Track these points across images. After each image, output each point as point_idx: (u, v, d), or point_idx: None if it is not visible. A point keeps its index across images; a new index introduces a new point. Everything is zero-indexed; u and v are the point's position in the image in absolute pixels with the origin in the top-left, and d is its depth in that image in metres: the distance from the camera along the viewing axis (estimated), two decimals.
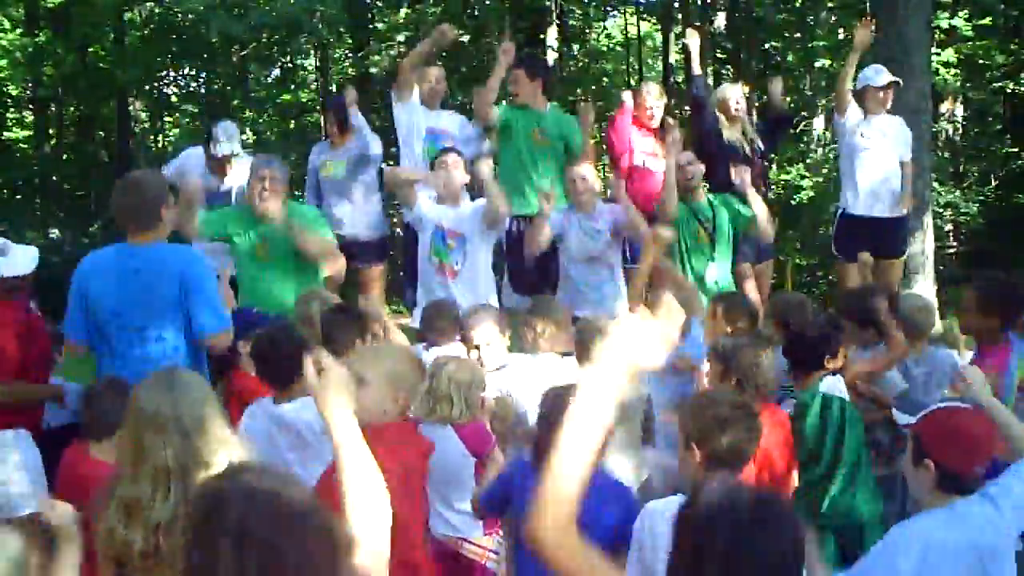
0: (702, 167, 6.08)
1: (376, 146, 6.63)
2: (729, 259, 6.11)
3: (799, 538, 1.85)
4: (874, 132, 6.66)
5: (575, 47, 17.64)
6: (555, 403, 3.01)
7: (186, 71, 18.30)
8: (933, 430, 2.76)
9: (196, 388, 2.56)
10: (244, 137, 14.65)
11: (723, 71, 16.49)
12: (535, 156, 6.43)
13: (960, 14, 13.14)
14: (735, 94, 6.86)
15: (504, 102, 6.86)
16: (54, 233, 14.66)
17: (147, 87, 18.00)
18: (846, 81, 6.73)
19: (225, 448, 2.52)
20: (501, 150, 6.59)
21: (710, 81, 7.31)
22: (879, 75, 6.72)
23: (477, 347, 4.31)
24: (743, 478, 3.01)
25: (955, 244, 14.62)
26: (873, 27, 6.94)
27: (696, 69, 7.11)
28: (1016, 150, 14.36)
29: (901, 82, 6.77)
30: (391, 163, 7.16)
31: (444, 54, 16.74)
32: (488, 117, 6.45)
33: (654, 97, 6.77)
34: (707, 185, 6.26)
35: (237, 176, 6.22)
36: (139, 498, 2.41)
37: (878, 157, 6.64)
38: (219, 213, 5.56)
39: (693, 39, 7.15)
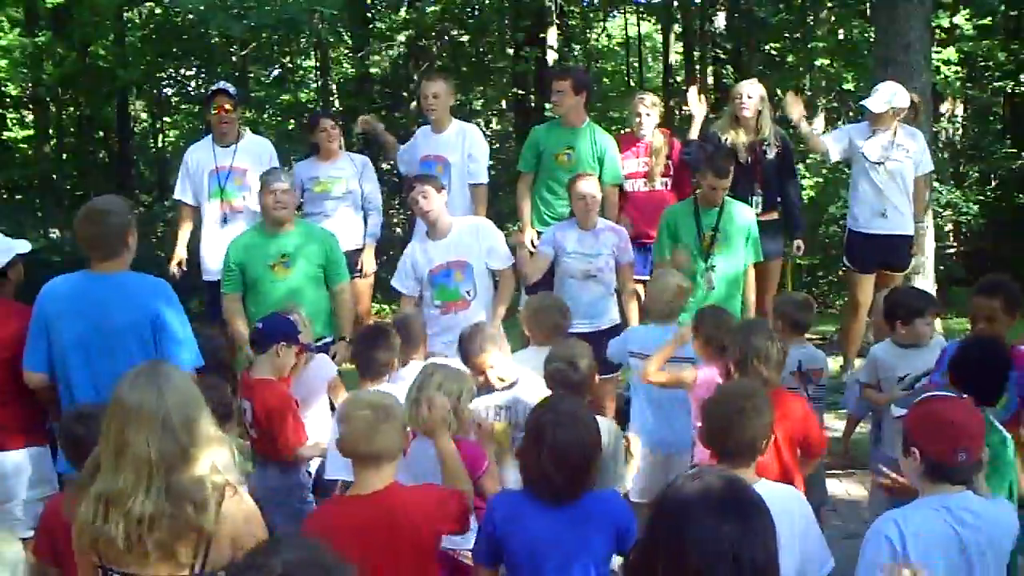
0: (726, 183, 5.85)
1: (371, 171, 6.68)
2: (732, 261, 5.90)
3: (763, 527, 1.79)
4: (878, 148, 6.55)
5: (575, 47, 17.63)
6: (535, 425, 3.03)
7: (186, 71, 18.30)
8: (916, 419, 2.81)
9: (181, 383, 2.53)
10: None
11: (723, 71, 16.49)
12: (558, 176, 6.38)
13: (962, 13, 13.14)
14: (742, 90, 6.60)
15: (531, 134, 6.82)
16: (54, 233, 14.66)
17: (147, 87, 18.01)
18: (810, 140, 7.02)
19: (210, 445, 2.50)
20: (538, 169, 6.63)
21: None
22: (873, 100, 6.57)
23: (483, 372, 4.21)
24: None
25: (955, 244, 14.60)
26: (803, 97, 6.91)
27: (694, 133, 6.81)
28: (1016, 150, 14.34)
29: (894, 106, 6.50)
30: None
31: (444, 54, 16.79)
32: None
33: (646, 106, 6.60)
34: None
35: (245, 152, 6.37)
36: (120, 491, 2.38)
37: (883, 173, 6.54)
38: (228, 270, 5.56)
39: (700, 108, 6.89)
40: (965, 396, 2.94)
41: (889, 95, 6.54)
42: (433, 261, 5.56)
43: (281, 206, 5.40)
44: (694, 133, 6.82)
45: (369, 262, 6.62)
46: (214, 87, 6.66)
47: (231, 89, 6.58)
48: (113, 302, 3.87)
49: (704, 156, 6.22)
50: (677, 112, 15.81)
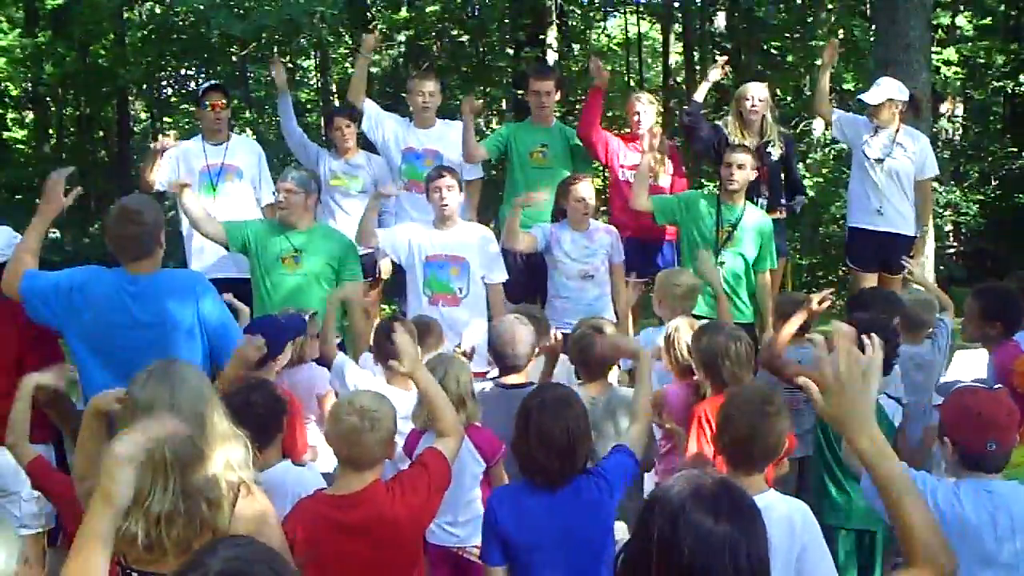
0: (746, 174, 5.81)
1: (384, 171, 6.59)
2: (740, 260, 5.88)
3: (756, 529, 1.74)
4: (878, 146, 6.52)
5: (575, 47, 17.64)
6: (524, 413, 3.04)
7: (186, 71, 18.31)
8: (948, 410, 2.90)
9: (193, 380, 2.53)
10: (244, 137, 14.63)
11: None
12: (534, 175, 6.37)
13: (963, 14, 13.16)
14: (751, 92, 6.55)
15: (500, 128, 6.81)
16: (54, 233, 14.67)
17: (147, 87, 18.02)
18: (822, 99, 6.80)
19: (224, 443, 2.50)
20: (506, 169, 6.62)
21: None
22: (871, 93, 6.57)
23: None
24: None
25: (955, 244, 14.63)
26: (841, 49, 6.85)
27: (699, 96, 6.86)
28: (1016, 150, 14.37)
29: (891, 97, 6.48)
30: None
31: (444, 54, 16.79)
32: (481, 157, 6.46)
33: (643, 103, 6.57)
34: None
35: (237, 150, 6.31)
36: (138, 490, 2.33)
37: (882, 172, 6.52)
38: (240, 225, 5.53)
39: (716, 74, 6.91)
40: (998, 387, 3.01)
41: (886, 88, 6.56)
42: (434, 247, 5.58)
43: (282, 205, 5.37)
44: (699, 96, 6.85)
45: (387, 267, 6.50)
46: (207, 84, 6.62)
47: (224, 87, 6.59)
48: (161, 304, 3.86)
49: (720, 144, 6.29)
50: (678, 112, 15.80)
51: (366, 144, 6.84)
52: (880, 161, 6.52)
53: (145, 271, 3.91)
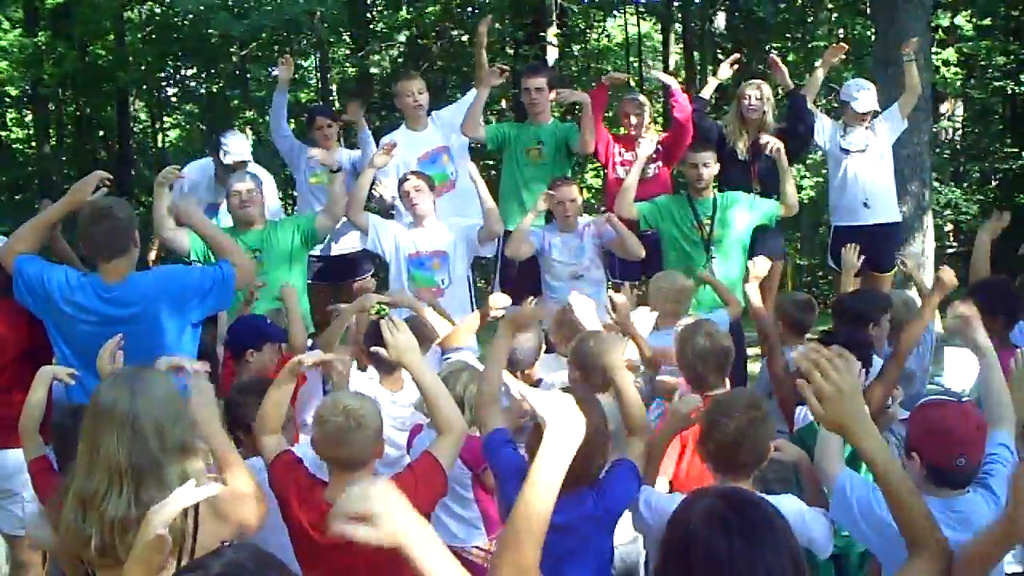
0: (712, 169, 5.94)
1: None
2: (737, 258, 5.93)
3: (774, 542, 1.67)
4: (857, 141, 6.56)
5: (575, 47, 17.63)
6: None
7: (186, 71, 18.31)
8: (915, 424, 2.82)
9: (160, 389, 2.50)
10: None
11: None
12: (529, 173, 6.40)
13: (962, 13, 13.15)
14: (749, 91, 6.55)
15: (502, 122, 6.80)
16: None
17: (147, 87, 18.00)
18: (808, 96, 6.67)
19: (181, 453, 2.46)
20: (502, 164, 6.64)
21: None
22: (858, 99, 6.55)
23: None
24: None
25: (955, 244, 14.61)
26: (843, 55, 6.81)
27: (705, 93, 6.94)
28: (1016, 150, 14.36)
29: (878, 109, 6.57)
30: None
31: (444, 54, 16.78)
32: (479, 137, 6.48)
33: (636, 106, 6.58)
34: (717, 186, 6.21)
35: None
36: (94, 492, 2.36)
37: (864, 165, 6.55)
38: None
39: (724, 73, 6.88)
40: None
41: (872, 95, 6.60)
42: (415, 246, 5.75)
43: (246, 204, 5.39)
44: (706, 93, 6.95)
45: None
46: (232, 159, 6.08)
47: (247, 158, 6.27)
48: (134, 305, 3.81)
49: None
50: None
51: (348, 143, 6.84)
52: (862, 151, 6.56)
53: (120, 272, 3.85)
